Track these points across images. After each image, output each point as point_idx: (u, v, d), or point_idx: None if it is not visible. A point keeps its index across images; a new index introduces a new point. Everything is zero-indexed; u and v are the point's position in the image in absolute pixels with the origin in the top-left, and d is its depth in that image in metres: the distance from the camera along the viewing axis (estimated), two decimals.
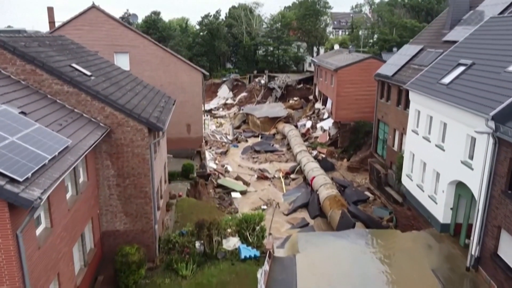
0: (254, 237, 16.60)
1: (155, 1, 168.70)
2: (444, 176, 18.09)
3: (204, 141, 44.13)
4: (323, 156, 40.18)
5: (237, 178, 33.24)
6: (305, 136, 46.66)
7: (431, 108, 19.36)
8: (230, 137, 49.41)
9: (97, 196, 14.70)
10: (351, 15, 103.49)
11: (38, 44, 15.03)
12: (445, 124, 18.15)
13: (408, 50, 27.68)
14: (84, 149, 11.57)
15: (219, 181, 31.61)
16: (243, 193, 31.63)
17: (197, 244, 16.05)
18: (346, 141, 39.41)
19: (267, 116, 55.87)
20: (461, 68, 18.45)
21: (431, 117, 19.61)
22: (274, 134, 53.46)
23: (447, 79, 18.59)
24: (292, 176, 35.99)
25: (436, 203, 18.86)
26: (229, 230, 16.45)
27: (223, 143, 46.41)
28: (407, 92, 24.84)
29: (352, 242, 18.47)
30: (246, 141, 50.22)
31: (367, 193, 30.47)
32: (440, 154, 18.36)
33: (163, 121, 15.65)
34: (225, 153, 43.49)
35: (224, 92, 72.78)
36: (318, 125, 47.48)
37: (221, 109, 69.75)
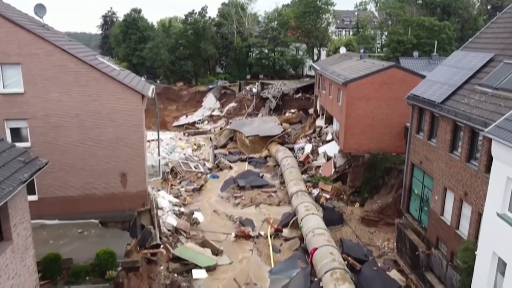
0: None
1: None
2: None
3: (168, 176, 34.09)
4: (327, 197, 30.04)
5: (204, 244, 23.02)
6: (303, 164, 36.47)
7: None
8: (209, 165, 39.21)
9: None
10: (355, 13, 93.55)
11: None
12: None
13: (466, 60, 17.46)
14: None
15: (176, 252, 21.42)
16: (211, 268, 21.47)
17: None
18: (358, 179, 29.26)
19: (258, 134, 45.77)
20: None
21: None
22: (266, 157, 43.36)
23: None
24: (285, 232, 25.82)
25: None
26: None
27: (199, 174, 36.23)
28: (472, 132, 14.75)
29: None
30: (230, 168, 40.06)
31: (395, 274, 20.30)
32: None
33: None
34: (199, 189, 33.32)
35: (210, 101, 62.66)
36: (320, 150, 37.32)
37: (206, 122, 59.73)
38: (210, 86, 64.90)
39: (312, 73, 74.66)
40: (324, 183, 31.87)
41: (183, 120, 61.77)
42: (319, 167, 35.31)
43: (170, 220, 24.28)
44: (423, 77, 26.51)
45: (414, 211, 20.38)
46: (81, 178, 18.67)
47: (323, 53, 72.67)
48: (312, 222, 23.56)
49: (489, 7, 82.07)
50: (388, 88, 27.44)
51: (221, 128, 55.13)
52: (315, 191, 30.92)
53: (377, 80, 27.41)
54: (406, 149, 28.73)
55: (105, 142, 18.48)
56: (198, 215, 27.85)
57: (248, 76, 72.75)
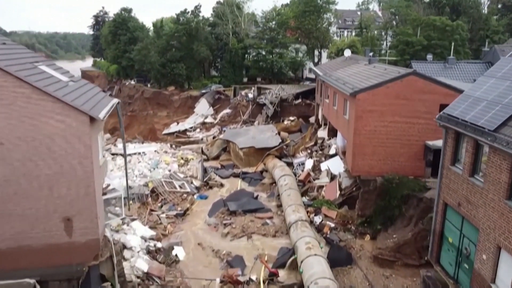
0: None
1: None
2: None
3: (147, 199, 29.54)
4: (332, 226, 25.59)
5: None
6: (303, 184, 31.98)
7: None
8: (197, 183, 34.62)
9: None
10: (358, 12, 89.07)
11: None
12: None
13: None
14: None
15: None
16: None
17: None
18: (369, 207, 24.71)
19: (253, 146, 41.35)
20: None
21: None
22: (262, 172, 38.92)
23: None
24: (282, 276, 21.27)
25: None
26: None
27: (184, 195, 31.68)
28: None
29: None
30: (221, 185, 35.60)
31: None
32: None
33: None
34: (183, 214, 28.80)
35: (202, 107, 58.13)
36: (323, 166, 32.86)
37: (198, 130, 55.21)
38: (203, 91, 60.38)
39: (313, 75, 70.11)
40: (328, 208, 27.41)
41: (173, 127, 57.33)
42: (321, 187, 30.82)
43: (140, 264, 19.74)
44: (449, 87, 22.19)
45: (447, 264, 15.83)
46: (10, 225, 14.14)
47: (324, 54, 68.28)
48: (315, 268, 19.03)
49: (499, 6, 77.59)
50: (405, 99, 22.97)
51: (214, 137, 50.71)
52: (318, 219, 26.48)
53: (392, 90, 22.91)
54: (424, 171, 24.53)
55: (41, 179, 13.96)
56: (178, 251, 23.37)
57: (245, 79, 68.32)
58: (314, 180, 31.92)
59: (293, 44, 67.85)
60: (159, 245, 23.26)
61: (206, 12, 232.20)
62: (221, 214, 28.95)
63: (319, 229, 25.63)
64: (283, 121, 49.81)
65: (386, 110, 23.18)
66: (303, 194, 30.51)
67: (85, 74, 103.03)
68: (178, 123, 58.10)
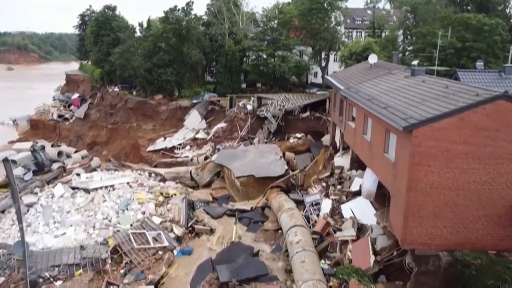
0: None
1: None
2: None
3: (105, 265, 21.21)
4: None
5: None
6: (320, 237, 23.74)
7: None
8: (179, 231, 26.29)
9: None
10: (368, 11, 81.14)
11: None
12: None
13: None
14: None
15: None
16: None
17: None
18: None
19: (253, 175, 33.30)
20: None
21: None
22: (263, 209, 30.75)
23: None
24: None
25: None
26: None
27: (159, 252, 23.36)
28: None
29: None
30: (211, 231, 27.38)
31: None
32: None
33: None
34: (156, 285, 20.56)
35: (194, 120, 49.94)
36: (345, 210, 24.77)
37: (188, 147, 47.14)
38: (195, 101, 52.20)
39: (319, 80, 62.25)
40: (359, 282, 19.20)
41: (160, 143, 49.23)
42: (345, 243, 22.65)
43: None
44: None
45: None
46: None
47: (331, 58, 60.46)
48: None
49: None
50: (488, 137, 14.83)
51: (206, 158, 42.60)
52: None
53: (468, 122, 14.75)
54: (511, 243, 16.45)
55: None
56: None
57: (243, 85, 60.37)
58: (335, 231, 23.70)
59: (297, 46, 60.18)
60: None
61: (199, 9, 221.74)
62: (208, 285, 20.78)
63: None
64: (288, 138, 41.93)
65: (459, 152, 15.01)
66: (320, 253, 22.34)
67: (69, 78, 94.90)
68: (165, 139, 50.03)
